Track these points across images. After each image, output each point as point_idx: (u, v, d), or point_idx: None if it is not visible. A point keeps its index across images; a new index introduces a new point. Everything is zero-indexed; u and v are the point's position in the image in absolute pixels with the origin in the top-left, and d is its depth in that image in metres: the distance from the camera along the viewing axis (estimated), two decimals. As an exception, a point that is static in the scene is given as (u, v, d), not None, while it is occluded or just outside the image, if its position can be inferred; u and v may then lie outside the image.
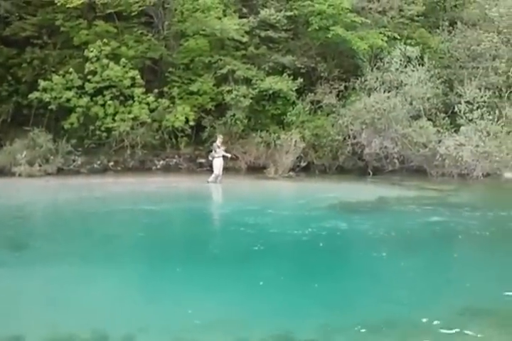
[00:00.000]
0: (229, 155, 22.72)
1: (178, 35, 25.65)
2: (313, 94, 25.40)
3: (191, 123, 24.22)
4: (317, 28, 25.27)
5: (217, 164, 22.20)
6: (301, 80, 24.86)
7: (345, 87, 25.78)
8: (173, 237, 14.22)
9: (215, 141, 22.82)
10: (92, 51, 23.77)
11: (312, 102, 25.38)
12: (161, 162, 25.47)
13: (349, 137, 24.62)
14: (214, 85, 25.00)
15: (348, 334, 7.86)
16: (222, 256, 12.20)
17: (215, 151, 22.31)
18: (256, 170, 24.13)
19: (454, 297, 9.37)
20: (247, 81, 24.86)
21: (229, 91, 24.49)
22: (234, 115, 24.42)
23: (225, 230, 15.40)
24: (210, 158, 22.64)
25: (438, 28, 27.49)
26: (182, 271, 10.68)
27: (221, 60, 25.12)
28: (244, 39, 24.98)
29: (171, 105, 24.37)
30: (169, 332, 7.84)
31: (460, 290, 9.80)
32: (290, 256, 12.30)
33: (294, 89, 24.66)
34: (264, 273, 10.53)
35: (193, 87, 24.79)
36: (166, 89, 25.03)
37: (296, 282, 10.25)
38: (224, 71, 24.76)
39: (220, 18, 24.79)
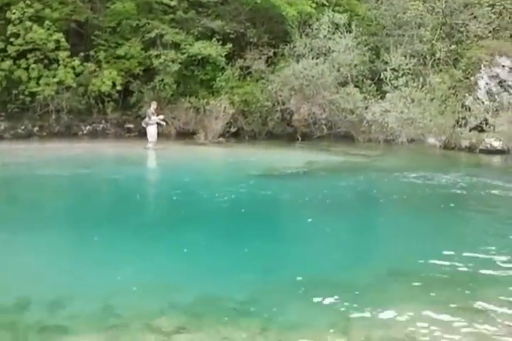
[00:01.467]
0: (164, 123, 22.53)
1: (104, -2, 24.98)
2: (242, 60, 25.31)
3: (118, 87, 23.90)
4: (246, -8, 25.05)
5: (152, 131, 22.03)
6: (231, 46, 24.64)
7: (275, 53, 25.75)
8: (99, 203, 14.02)
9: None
10: (14, 13, 23.10)
11: (241, 68, 25.29)
12: (88, 127, 25.11)
13: (278, 103, 24.65)
14: (142, 49, 24.63)
15: (279, 295, 7.92)
16: (150, 221, 12.07)
17: (149, 118, 21.98)
18: (185, 135, 24.00)
19: (379, 260, 9.53)
20: (176, 45, 24.51)
21: (157, 56, 24.11)
22: (162, 80, 24.12)
23: (153, 195, 15.32)
24: (144, 125, 22.31)
25: (366, -5, 27.62)
26: (108, 238, 10.43)
27: (149, 23, 24.70)
28: (173, 3, 24.61)
29: (97, 69, 23.96)
30: (98, 297, 7.75)
31: (385, 253, 9.97)
32: (219, 221, 12.23)
33: (223, 54, 24.43)
34: (194, 239, 10.44)
35: (120, 51, 24.38)
36: (92, 52, 24.56)
37: (226, 246, 10.23)
38: (152, 35, 24.36)
39: (147, -19, 24.28)
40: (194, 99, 24.37)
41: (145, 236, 10.62)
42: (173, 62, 23.93)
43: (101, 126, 25.25)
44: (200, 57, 24.46)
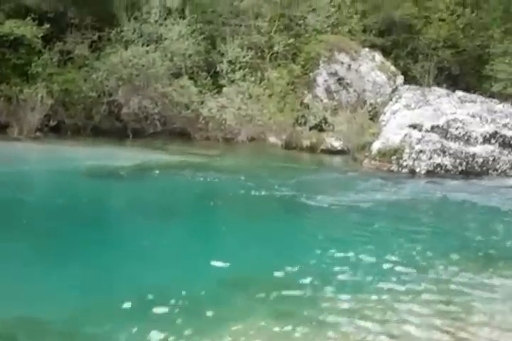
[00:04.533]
0: None
1: None
2: (62, 43, 21.93)
3: None
4: (66, -34, 21.82)
5: None
6: (48, 26, 21.19)
7: (99, 38, 22.60)
8: None
9: None
10: None
11: (61, 52, 21.93)
12: None
13: (105, 94, 21.66)
14: None
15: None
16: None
17: None
18: (-4, 128, 20.42)
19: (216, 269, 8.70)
20: (-18, 23, 20.72)
21: (-42, 35, 20.21)
22: (-35, 63, 20.26)
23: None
24: None
25: (201, -22, 25.31)
26: None
27: None
28: (-23, -28, 20.85)
29: None
30: None
31: (220, 259, 9.01)
32: (46, 228, 10.63)
33: (39, 36, 21.02)
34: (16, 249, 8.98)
35: None
36: None
37: (49, 260, 8.81)
38: (-49, 9, 20.44)
39: None
40: (5, 87, 20.59)
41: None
42: (-23, 42, 20.18)
43: None
44: (11, 37, 20.76)
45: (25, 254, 8.95)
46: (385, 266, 9.06)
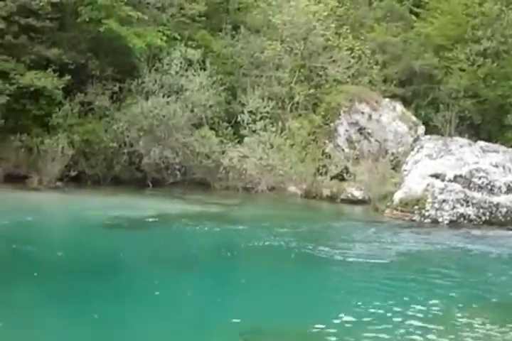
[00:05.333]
0: None
1: None
2: (83, 95, 22.19)
3: None
4: (87, 19, 22.11)
5: None
6: (69, 78, 21.49)
7: (120, 89, 22.85)
8: None
9: None
10: None
11: (82, 103, 22.18)
12: None
13: (125, 145, 21.84)
14: (-38, 77, 20.79)
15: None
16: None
17: None
18: (16, 179, 20.39)
19: (234, 317, 8.75)
20: (4, 74, 20.94)
21: (-20, 86, 20.48)
22: (-13, 114, 20.48)
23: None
24: None
25: (221, 31, 25.69)
26: None
27: (-29, 47, 21.00)
28: (0, 26, 21.14)
29: None
30: None
31: (241, 311, 9.20)
32: (64, 279, 10.58)
33: (60, 87, 21.24)
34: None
35: None
36: None
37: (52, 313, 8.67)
38: (-26, 61, 20.69)
39: (-32, -1, 20.79)
40: (26, 137, 20.91)
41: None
42: (0, 93, 20.43)
43: None
44: (32, 89, 21.03)
45: (42, 304, 9.05)
46: (401, 318, 8.86)
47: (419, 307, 9.49)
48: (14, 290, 9.57)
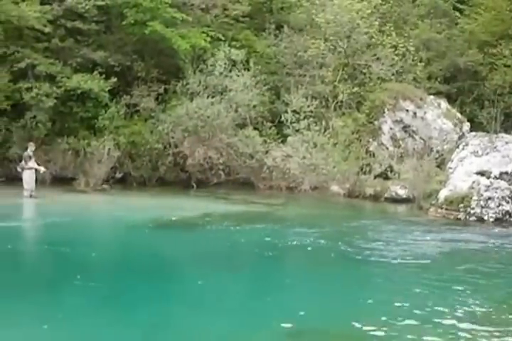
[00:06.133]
0: (42, 170, 19.43)
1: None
2: (129, 97, 22.64)
3: (-19, 125, 20.49)
4: (133, 21, 22.57)
5: (26, 177, 18.96)
6: (115, 80, 21.92)
7: (165, 90, 23.23)
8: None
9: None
10: None
11: (128, 105, 22.60)
12: None
13: (170, 146, 22.15)
14: (10, 81, 21.43)
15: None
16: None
17: (26, 162, 19.00)
18: (63, 181, 20.93)
19: (282, 318, 8.62)
20: (51, 78, 21.61)
21: (28, 89, 21.15)
22: (35, 117, 21.17)
23: (32, 254, 13.16)
24: (19, 170, 19.28)
25: (264, 30, 25.86)
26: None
27: (19, 51, 21.59)
28: (47, 29, 21.71)
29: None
30: None
31: (287, 312, 9.07)
32: (113, 280, 10.78)
33: (106, 89, 21.72)
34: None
35: (-17, 83, 20.98)
36: None
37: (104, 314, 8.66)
38: (22, 65, 21.36)
39: (17, 3, 21.39)
40: (73, 140, 21.45)
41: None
42: (47, 96, 21.01)
43: (-41, 170, 21.60)
44: (79, 91, 21.55)
45: (92, 303, 9.18)
46: (447, 320, 8.69)
47: (466, 308, 9.28)
48: (59, 291, 9.74)
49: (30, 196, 18.66)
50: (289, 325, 8.28)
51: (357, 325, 8.34)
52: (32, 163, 19.15)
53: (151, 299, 9.44)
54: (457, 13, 29.98)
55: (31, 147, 19.41)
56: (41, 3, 21.98)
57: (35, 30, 21.83)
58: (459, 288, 10.74)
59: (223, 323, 8.51)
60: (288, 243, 14.13)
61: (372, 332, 8.08)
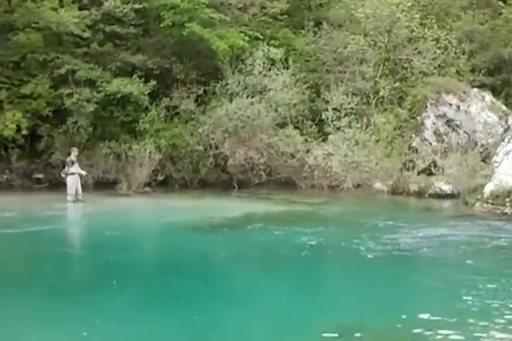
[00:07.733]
0: (84, 173, 19.67)
1: (5, 28, 22.02)
2: (168, 99, 22.78)
3: (24, 132, 20.94)
4: (170, 23, 22.67)
5: (70, 182, 19.19)
6: (155, 83, 22.16)
7: (205, 91, 23.32)
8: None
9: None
10: None
11: (168, 108, 22.74)
12: (-12, 178, 21.88)
13: (211, 147, 22.24)
14: (51, 87, 21.79)
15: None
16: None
17: (68, 167, 19.25)
18: (105, 185, 21.24)
19: (326, 315, 8.86)
20: (91, 83, 21.90)
21: (69, 95, 21.47)
22: (76, 122, 21.45)
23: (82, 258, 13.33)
24: (63, 175, 19.52)
25: (303, 28, 25.71)
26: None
27: (58, 58, 21.94)
28: (86, 34, 22.07)
29: (-2, 111, 20.81)
30: None
31: (331, 308, 9.29)
32: (157, 280, 11.07)
33: (146, 92, 21.94)
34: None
35: (26, 90, 21.45)
36: (-9, 92, 21.40)
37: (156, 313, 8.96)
38: (62, 71, 21.69)
39: (55, 9, 21.69)
40: (114, 144, 21.72)
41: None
42: (88, 101, 21.31)
43: (4, 176, 22.16)
44: (119, 95, 21.77)
45: (140, 303, 9.48)
46: (497, 319, 8.53)
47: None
48: (108, 293, 9.88)
49: (74, 201, 18.88)
50: (331, 323, 8.32)
51: (403, 322, 8.34)
52: (75, 169, 19.35)
53: (197, 298, 9.61)
54: (501, 3, 29.13)
55: (74, 152, 19.59)
56: (79, 9, 22.35)
57: (74, 35, 22.22)
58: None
59: (269, 320, 8.62)
60: (331, 242, 14.00)
61: (415, 329, 8.06)
